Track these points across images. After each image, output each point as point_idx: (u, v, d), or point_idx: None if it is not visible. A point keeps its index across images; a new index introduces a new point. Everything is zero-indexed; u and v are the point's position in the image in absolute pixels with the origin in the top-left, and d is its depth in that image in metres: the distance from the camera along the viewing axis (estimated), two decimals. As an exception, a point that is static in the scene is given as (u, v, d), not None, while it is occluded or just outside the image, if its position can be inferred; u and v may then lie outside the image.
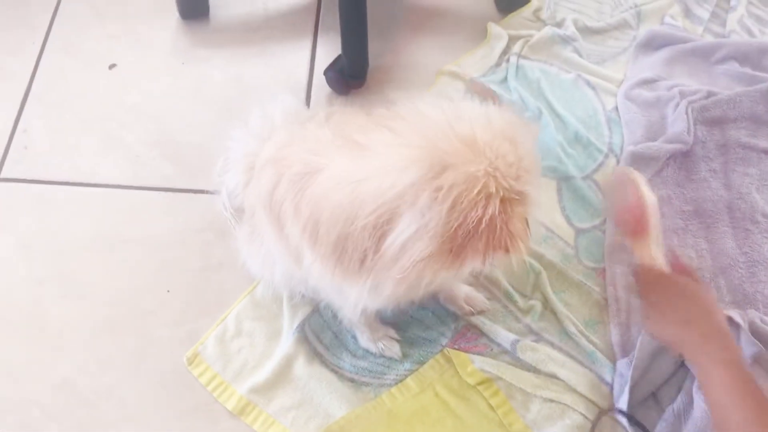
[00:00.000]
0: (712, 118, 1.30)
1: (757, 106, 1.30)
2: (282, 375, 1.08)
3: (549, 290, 1.13)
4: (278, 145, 0.88)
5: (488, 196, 0.68)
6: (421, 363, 1.08)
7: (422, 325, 1.12)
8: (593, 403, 1.04)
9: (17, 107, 1.37)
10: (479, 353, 1.09)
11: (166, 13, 1.48)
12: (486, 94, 1.31)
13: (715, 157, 1.27)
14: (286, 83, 1.39)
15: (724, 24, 1.48)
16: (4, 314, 1.15)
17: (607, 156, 1.28)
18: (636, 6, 1.50)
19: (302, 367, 1.08)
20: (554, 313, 1.12)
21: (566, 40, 1.43)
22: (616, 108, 1.34)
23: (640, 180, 1.03)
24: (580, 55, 1.41)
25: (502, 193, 0.69)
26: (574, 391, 1.05)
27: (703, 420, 0.96)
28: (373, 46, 1.36)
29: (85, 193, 1.27)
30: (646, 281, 0.98)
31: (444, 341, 1.10)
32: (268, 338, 1.11)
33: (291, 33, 1.46)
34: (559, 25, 1.46)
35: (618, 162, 1.27)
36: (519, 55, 1.40)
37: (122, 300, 1.16)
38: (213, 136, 1.29)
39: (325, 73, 1.36)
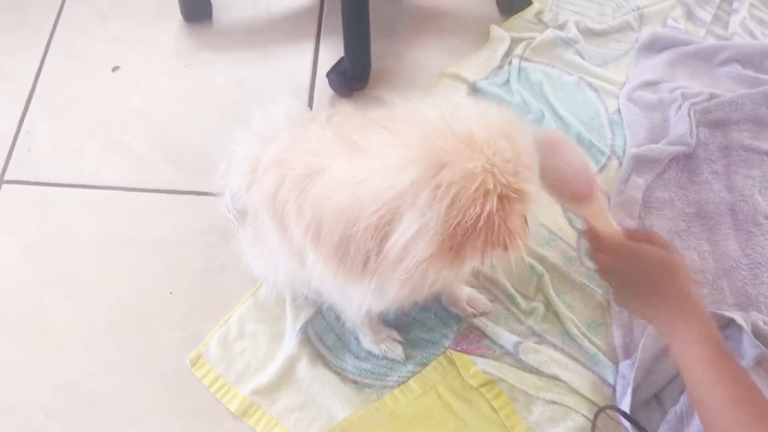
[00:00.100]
0: (714, 120, 1.30)
1: (759, 109, 1.30)
2: (285, 377, 1.08)
3: (551, 292, 1.13)
4: (281, 147, 0.88)
5: (486, 193, 0.68)
6: (424, 365, 1.08)
7: (425, 327, 1.12)
8: (596, 405, 1.04)
9: (21, 109, 1.37)
10: (482, 355, 1.09)
11: (169, 15, 1.48)
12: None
13: (718, 160, 1.27)
14: (288, 86, 1.39)
15: (726, 26, 1.48)
16: (6, 315, 1.15)
17: (609, 158, 1.28)
18: (638, 8, 1.50)
19: (305, 368, 1.08)
20: (557, 315, 1.12)
21: (568, 43, 1.43)
22: (619, 110, 1.34)
23: (573, 142, 0.95)
24: (583, 58, 1.41)
25: (500, 190, 0.68)
26: (576, 392, 1.05)
27: (705, 421, 0.96)
28: (376, 49, 1.36)
29: (88, 195, 1.27)
30: (606, 250, 0.90)
31: (447, 343, 1.10)
32: (271, 340, 1.11)
33: (294, 35, 1.47)
34: (561, 27, 1.46)
35: (620, 164, 1.27)
36: (521, 58, 1.40)
37: (125, 302, 1.16)
38: (216, 139, 1.29)
39: (328, 75, 1.36)
